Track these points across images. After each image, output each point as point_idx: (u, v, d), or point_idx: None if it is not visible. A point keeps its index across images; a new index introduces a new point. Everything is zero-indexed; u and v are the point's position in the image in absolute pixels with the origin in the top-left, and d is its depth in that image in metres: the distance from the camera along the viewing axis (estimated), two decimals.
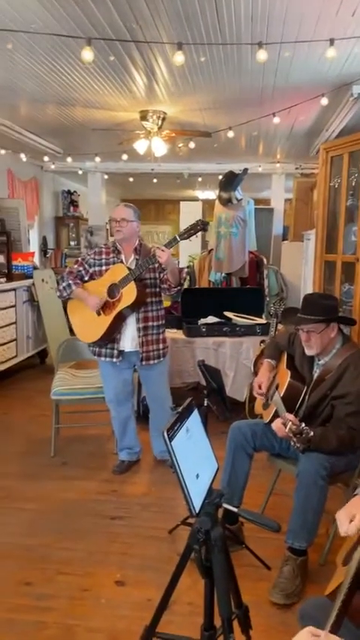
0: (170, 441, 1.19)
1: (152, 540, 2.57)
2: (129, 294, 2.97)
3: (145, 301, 3.07)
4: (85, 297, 3.07)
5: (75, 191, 8.79)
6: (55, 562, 2.38)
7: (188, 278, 5.38)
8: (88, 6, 2.64)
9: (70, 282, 3.08)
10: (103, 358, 3.15)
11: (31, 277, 5.77)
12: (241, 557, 2.35)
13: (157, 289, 3.15)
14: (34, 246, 7.43)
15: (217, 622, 1.35)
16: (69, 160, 6.58)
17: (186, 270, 3.09)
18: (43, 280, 5.93)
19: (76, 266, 3.16)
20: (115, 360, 3.12)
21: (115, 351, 3.11)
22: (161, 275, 3.09)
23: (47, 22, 2.81)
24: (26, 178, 7.06)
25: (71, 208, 8.66)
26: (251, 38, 3.04)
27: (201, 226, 2.94)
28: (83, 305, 3.11)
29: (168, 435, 1.20)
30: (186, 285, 5.09)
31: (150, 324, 3.13)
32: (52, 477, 3.24)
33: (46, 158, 6.41)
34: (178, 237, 2.94)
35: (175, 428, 1.25)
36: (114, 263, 3.09)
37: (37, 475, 3.26)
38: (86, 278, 3.13)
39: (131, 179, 8.09)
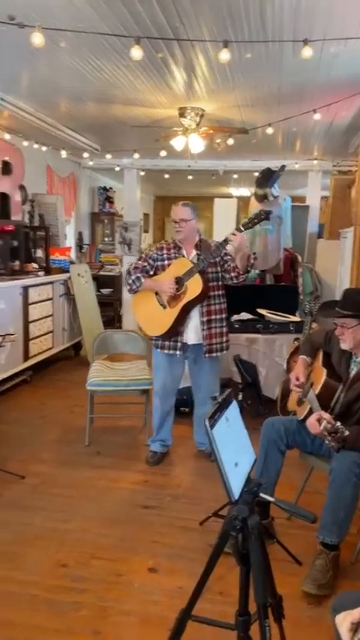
0: (211, 429, 1.23)
1: (183, 530, 2.62)
2: (195, 286, 3.05)
3: (209, 294, 3.13)
4: (155, 284, 3.16)
5: (111, 187, 8.90)
6: (90, 546, 2.46)
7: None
8: (133, 5, 2.68)
9: (139, 274, 3.17)
10: (166, 351, 3.23)
11: (67, 271, 5.90)
12: (272, 551, 2.35)
13: (220, 282, 3.22)
14: (70, 242, 7.57)
15: (251, 610, 1.39)
16: (108, 156, 6.68)
17: (254, 255, 3.13)
18: (78, 274, 6.05)
19: (140, 261, 3.26)
20: (178, 352, 3.19)
21: (179, 344, 3.19)
22: (226, 265, 3.14)
23: (93, 21, 2.87)
24: (65, 175, 7.20)
25: (107, 205, 8.77)
26: (293, 35, 3.03)
27: (264, 216, 3.01)
28: (148, 299, 3.20)
29: (209, 423, 1.24)
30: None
31: (213, 317, 3.20)
32: (87, 466, 3.33)
33: (85, 155, 6.52)
34: (242, 228, 2.99)
35: (216, 417, 1.29)
36: (175, 258, 3.18)
37: (72, 463, 3.36)
38: (151, 272, 3.24)
39: (167, 176, 8.13)
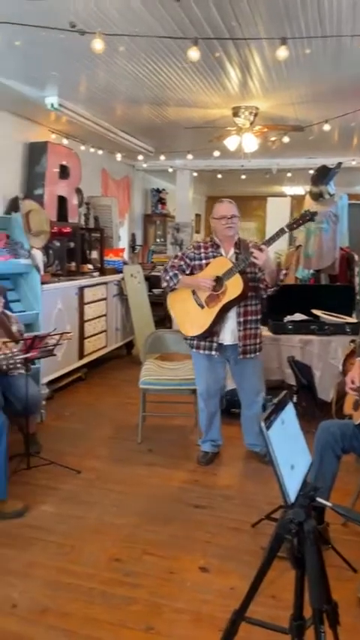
0: (267, 430, 1.22)
1: (235, 532, 2.61)
2: (235, 286, 3.03)
3: (248, 295, 3.11)
4: (193, 281, 3.15)
5: (163, 189, 8.99)
6: (142, 542, 2.49)
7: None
8: (190, 6, 2.70)
9: (176, 271, 3.18)
10: (201, 351, 3.23)
11: (121, 272, 6.01)
12: (326, 557, 2.28)
13: (257, 283, 3.17)
14: (123, 243, 7.71)
15: (306, 615, 1.37)
16: (162, 158, 6.75)
17: (284, 271, 3.08)
18: (131, 275, 6.16)
19: (176, 260, 3.25)
20: (213, 353, 3.18)
21: (215, 344, 3.18)
22: (258, 275, 3.12)
23: (150, 24, 2.91)
24: (119, 177, 7.34)
25: (159, 206, 8.88)
26: (352, 28, 2.96)
27: (309, 217, 2.95)
28: (185, 298, 3.21)
29: (265, 424, 1.23)
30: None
31: (249, 318, 3.17)
32: (139, 463, 3.38)
33: (140, 157, 6.61)
34: (285, 229, 2.96)
35: (272, 418, 1.28)
36: (213, 257, 3.16)
37: (126, 460, 3.42)
38: (187, 272, 3.22)
39: (220, 176, 8.11)
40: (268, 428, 1.24)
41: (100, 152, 6.12)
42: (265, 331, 4.14)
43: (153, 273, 7.70)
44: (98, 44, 2.40)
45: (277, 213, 8.84)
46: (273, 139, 5.29)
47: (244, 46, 3.25)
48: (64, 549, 2.44)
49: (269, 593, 2.07)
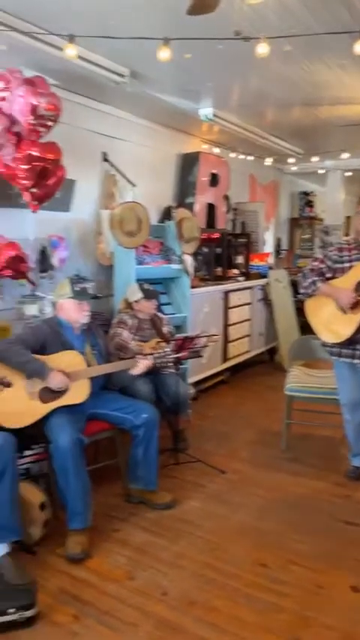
0: None
1: None
2: None
3: None
4: (333, 291, 3.00)
5: (312, 191, 8.75)
6: (288, 551, 2.44)
7: None
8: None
9: (315, 278, 3.05)
10: (342, 359, 3.07)
11: (266, 277, 5.98)
12: None
13: None
14: (269, 247, 7.66)
15: None
16: (314, 159, 6.58)
17: None
18: (276, 280, 6.09)
19: (316, 263, 3.09)
20: (355, 361, 3.01)
21: (357, 352, 3.00)
22: None
23: (308, 23, 2.87)
24: (266, 182, 7.33)
25: (306, 209, 8.66)
26: None
27: None
28: (324, 303, 3.07)
29: None
30: None
31: None
32: (283, 470, 3.32)
33: (290, 160, 6.53)
34: None
35: None
36: (358, 260, 2.98)
37: (269, 465, 3.38)
38: (328, 275, 3.06)
39: None
40: None
41: (250, 158, 6.18)
42: None
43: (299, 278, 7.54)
44: (263, 48, 2.43)
45: None
46: None
47: None
48: (210, 545, 2.49)
49: None
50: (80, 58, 2.94)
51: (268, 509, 2.83)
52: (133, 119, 4.60)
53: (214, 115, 4.51)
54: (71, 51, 2.49)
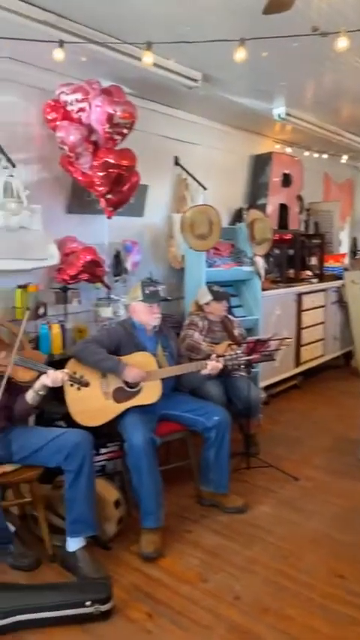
0: None
1: None
2: None
3: None
4: None
5: None
6: None
7: None
8: None
9: None
10: None
11: (341, 278, 5.78)
12: None
13: None
14: (344, 248, 7.39)
15: None
16: None
17: None
18: (352, 281, 5.85)
19: None
20: None
21: None
22: None
23: None
24: (341, 180, 7.09)
25: None
26: None
27: None
28: None
29: None
30: None
31: None
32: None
33: None
34: None
35: None
36: None
37: (345, 474, 3.25)
38: None
39: None
40: None
41: (324, 156, 6.00)
42: None
43: None
44: (342, 42, 2.36)
45: None
46: None
47: None
48: (282, 552, 2.44)
49: None
50: (154, 65, 3.00)
51: (345, 519, 2.73)
52: (205, 122, 4.63)
53: (288, 114, 4.43)
54: (148, 58, 2.55)
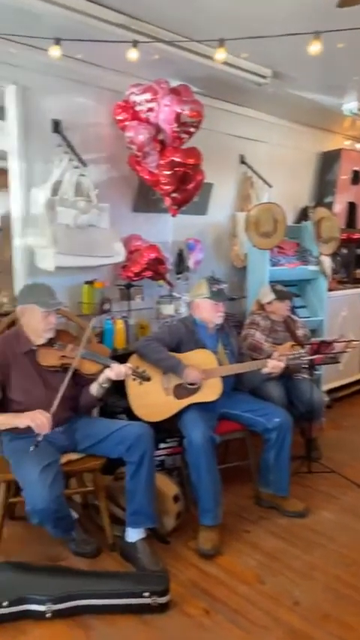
0: None
1: None
2: None
3: None
4: None
5: None
6: None
7: None
8: None
9: None
10: None
11: None
12: None
13: None
14: None
15: None
16: None
17: None
18: None
19: None
20: None
21: None
22: None
23: None
24: None
25: None
26: None
27: None
28: None
29: None
30: None
31: None
32: None
33: None
34: None
35: None
36: None
37: None
38: None
39: None
40: None
41: None
42: None
43: None
44: None
45: None
46: None
47: None
48: (345, 560, 2.36)
49: None
50: (224, 63, 3.00)
51: None
52: (272, 120, 4.56)
53: (359, 109, 4.28)
54: (221, 55, 2.54)
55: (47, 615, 1.96)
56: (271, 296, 3.47)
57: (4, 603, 1.95)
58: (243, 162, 4.39)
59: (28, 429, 2.15)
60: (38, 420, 2.13)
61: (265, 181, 4.45)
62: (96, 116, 3.34)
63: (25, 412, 2.19)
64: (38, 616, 1.96)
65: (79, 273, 3.24)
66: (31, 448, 2.09)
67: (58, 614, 1.97)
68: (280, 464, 2.75)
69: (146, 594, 2.02)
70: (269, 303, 3.49)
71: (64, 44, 2.54)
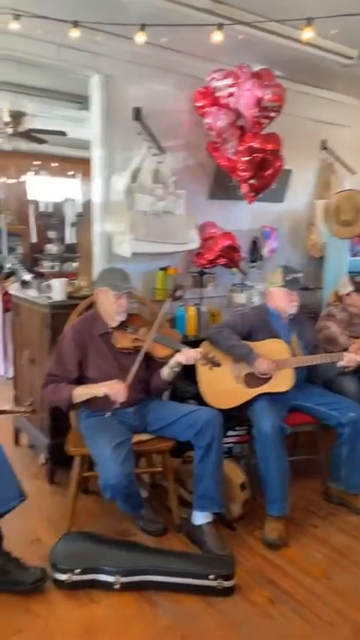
0: None
1: None
2: None
3: None
4: None
5: None
6: None
7: None
8: None
9: None
10: None
11: None
12: None
13: None
14: None
15: None
16: None
17: None
18: None
19: None
20: None
21: None
22: None
23: None
24: None
25: None
26: None
27: None
28: None
29: None
30: None
31: None
32: None
33: None
34: None
35: None
36: None
37: None
38: None
39: None
40: None
41: None
42: None
43: None
44: None
45: None
46: None
47: None
48: None
49: None
50: (308, 44, 2.90)
51: None
52: (356, 103, 4.35)
53: None
54: (308, 34, 2.46)
55: (115, 587, 2.04)
56: (350, 287, 3.33)
57: (77, 570, 2.05)
58: (324, 147, 4.24)
59: (103, 406, 2.24)
60: (115, 389, 2.23)
61: (347, 168, 4.27)
62: (176, 103, 3.36)
63: (102, 382, 2.29)
64: (107, 586, 2.04)
65: (154, 260, 3.29)
66: (107, 414, 2.21)
67: (126, 587, 2.04)
68: (353, 460, 2.66)
69: (212, 577, 2.04)
70: (347, 294, 3.36)
71: (147, 32, 2.57)
